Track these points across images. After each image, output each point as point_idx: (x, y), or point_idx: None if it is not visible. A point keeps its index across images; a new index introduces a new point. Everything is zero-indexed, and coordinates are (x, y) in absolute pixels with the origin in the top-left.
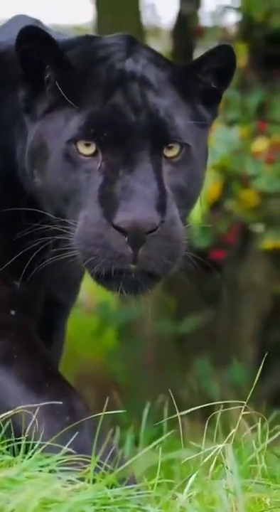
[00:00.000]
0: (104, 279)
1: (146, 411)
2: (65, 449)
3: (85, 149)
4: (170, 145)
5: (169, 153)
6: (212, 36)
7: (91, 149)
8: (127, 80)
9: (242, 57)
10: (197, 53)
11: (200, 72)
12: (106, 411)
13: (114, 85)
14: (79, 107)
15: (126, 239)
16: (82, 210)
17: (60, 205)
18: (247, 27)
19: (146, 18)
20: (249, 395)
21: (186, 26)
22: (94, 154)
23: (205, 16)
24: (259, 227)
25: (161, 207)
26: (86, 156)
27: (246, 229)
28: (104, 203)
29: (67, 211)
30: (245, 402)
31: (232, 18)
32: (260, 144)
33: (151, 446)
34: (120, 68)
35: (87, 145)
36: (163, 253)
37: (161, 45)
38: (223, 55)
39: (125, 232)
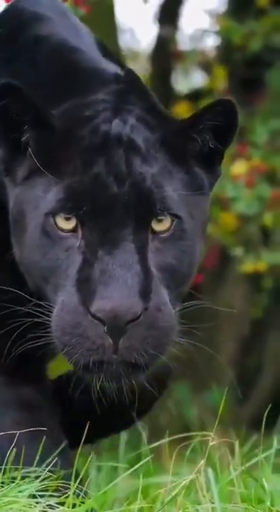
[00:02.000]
0: (83, 369)
1: (124, 436)
2: (45, 474)
3: (65, 224)
4: (159, 218)
5: (159, 227)
6: (191, 59)
7: (71, 224)
8: (112, 145)
9: (221, 80)
10: (176, 77)
11: (196, 131)
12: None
13: (97, 151)
14: (58, 175)
15: (105, 328)
16: (60, 293)
17: (39, 283)
18: (226, 50)
19: (125, 41)
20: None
21: (165, 50)
22: (75, 230)
23: (184, 40)
24: (238, 251)
25: (144, 292)
26: (65, 231)
27: (225, 252)
28: (81, 287)
29: (46, 290)
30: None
31: (210, 42)
32: (240, 167)
33: (130, 470)
34: (105, 131)
35: (67, 219)
36: (148, 343)
37: (140, 69)
38: (222, 110)
39: (103, 322)
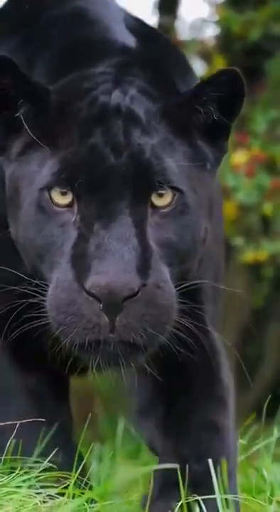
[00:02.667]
0: (79, 349)
1: (121, 424)
2: (45, 464)
3: (61, 198)
4: (159, 192)
5: (159, 202)
6: (190, 49)
7: (67, 198)
8: (110, 116)
9: None
10: None
11: (200, 102)
12: (88, 424)
13: (95, 122)
14: (54, 148)
15: (101, 306)
16: (55, 270)
17: (34, 262)
18: (225, 40)
19: None
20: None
21: None
22: (70, 205)
23: (184, 29)
24: (238, 241)
25: (142, 268)
26: (61, 206)
27: (226, 242)
28: (76, 263)
29: (42, 269)
30: None
31: (210, 31)
32: (240, 157)
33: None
34: (103, 102)
35: (63, 193)
36: (146, 321)
37: None
38: (226, 80)
39: (98, 298)
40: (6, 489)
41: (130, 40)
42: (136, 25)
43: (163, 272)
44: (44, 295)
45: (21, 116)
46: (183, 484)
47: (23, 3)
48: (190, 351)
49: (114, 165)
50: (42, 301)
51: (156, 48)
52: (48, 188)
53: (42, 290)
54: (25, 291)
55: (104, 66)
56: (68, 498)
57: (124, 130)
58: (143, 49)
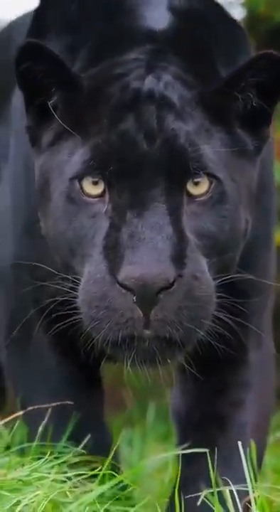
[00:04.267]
0: (111, 346)
1: (152, 408)
2: (76, 449)
3: (92, 188)
4: (196, 180)
5: (196, 191)
6: None
7: (99, 188)
8: (142, 102)
9: None
10: None
11: (238, 89)
12: (117, 409)
13: (127, 108)
14: (85, 136)
15: (134, 298)
16: (87, 264)
17: (66, 257)
18: (251, 21)
19: None
20: None
21: None
22: (102, 194)
23: None
24: None
25: (178, 257)
26: (92, 196)
27: None
28: (108, 254)
29: (74, 264)
30: None
31: (237, 14)
32: None
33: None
34: (136, 87)
35: (95, 183)
36: (183, 315)
37: None
38: (265, 65)
39: (132, 291)
40: (37, 474)
41: (168, 24)
42: (185, 4)
43: (201, 262)
44: (77, 290)
45: (52, 105)
46: (212, 466)
47: None
48: (232, 349)
49: (147, 151)
50: (75, 297)
51: (202, 29)
52: (79, 177)
53: (76, 285)
54: (60, 287)
55: (136, 53)
56: (99, 482)
57: (157, 116)
58: (184, 32)
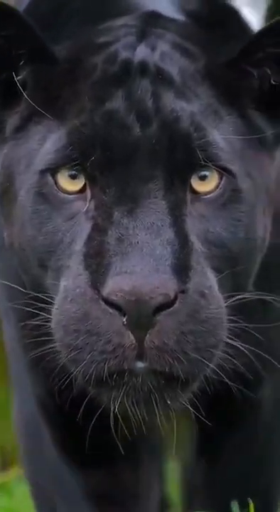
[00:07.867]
0: (95, 384)
1: None
2: None
3: (69, 183)
4: (202, 173)
5: (202, 187)
6: None
7: (78, 183)
8: (133, 75)
9: None
10: None
11: (252, 63)
12: None
13: (113, 83)
14: (60, 118)
15: (124, 320)
16: (63, 277)
17: (35, 273)
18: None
19: None
20: None
21: None
22: (82, 190)
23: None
24: None
25: (181, 268)
26: (70, 193)
27: None
28: (90, 264)
29: (46, 281)
30: None
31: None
32: None
33: None
34: (125, 58)
35: (73, 177)
36: (187, 342)
37: None
38: None
39: (121, 309)
40: None
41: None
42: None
43: (209, 276)
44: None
45: (21, 81)
46: None
47: None
48: (250, 388)
49: (140, 137)
50: (48, 320)
51: (210, 21)
52: (52, 169)
53: (48, 305)
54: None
55: (125, 19)
56: None
57: (153, 93)
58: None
